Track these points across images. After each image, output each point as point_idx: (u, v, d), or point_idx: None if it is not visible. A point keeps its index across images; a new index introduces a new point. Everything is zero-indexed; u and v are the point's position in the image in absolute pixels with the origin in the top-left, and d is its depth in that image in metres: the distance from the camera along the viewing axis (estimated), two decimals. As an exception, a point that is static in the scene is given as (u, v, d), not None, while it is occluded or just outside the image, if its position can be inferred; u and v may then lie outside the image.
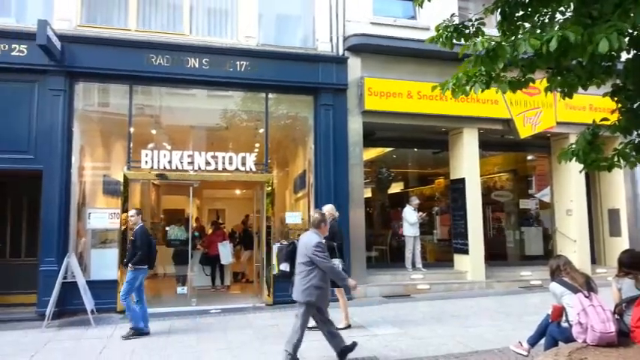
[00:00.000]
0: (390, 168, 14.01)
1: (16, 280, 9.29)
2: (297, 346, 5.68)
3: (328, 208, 7.96)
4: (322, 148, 10.35)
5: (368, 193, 13.05)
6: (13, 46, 9.01)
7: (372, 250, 12.27)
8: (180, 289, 10.01)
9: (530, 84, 5.21)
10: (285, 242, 6.44)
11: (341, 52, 10.77)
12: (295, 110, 11.25)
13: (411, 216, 11.56)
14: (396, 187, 14.59)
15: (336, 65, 10.58)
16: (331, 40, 10.81)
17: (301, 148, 11.88)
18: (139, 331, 7.48)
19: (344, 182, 10.35)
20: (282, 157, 12.96)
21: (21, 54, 9.03)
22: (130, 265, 7.59)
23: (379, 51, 10.87)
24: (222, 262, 11.24)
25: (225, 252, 11.06)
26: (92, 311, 8.24)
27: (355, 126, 10.70)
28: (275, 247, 9.84)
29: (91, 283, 8.62)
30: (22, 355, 6.58)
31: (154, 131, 10.92)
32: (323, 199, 10.13)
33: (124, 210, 9.23)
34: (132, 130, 9.73)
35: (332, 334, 5.99)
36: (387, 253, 12.89)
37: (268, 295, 9.68)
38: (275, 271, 6.33)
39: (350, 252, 10.08)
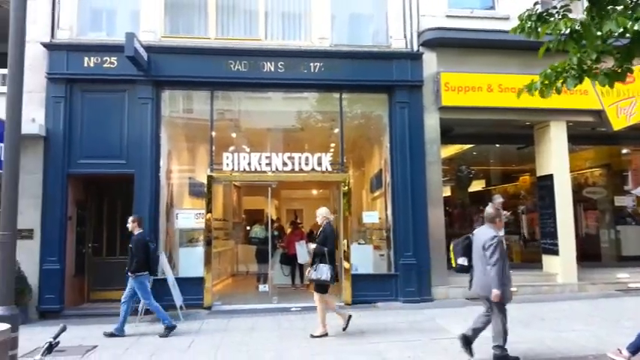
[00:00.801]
0: (471, 165, 13.52)
1: (112, 277, 9.95)
2: (505, 339, 5.78)
3: (323, 212, 7.84)
4: (398, 147, 10.20)
5: (447, 192, 12.68)
6: (105, 58, 9.68)
7: (454, 250, 11.87)
8: (262, 287, 10.28)
9: (627, 72, 4.77)
10: (461, 237, 6.19)
11: (415, 47, 10.55)
12: (370, 109, 11.18)
13: (493, 215, 11.04)
14: (477, 185, 14.07)
15: (410, 61, 10.39)
16: (405, 36, 10.63)
17: (377, 147, 11.78)
18: (170, 328, 7.67)
19: (421, 181, 10.13)
20: (357, 157, 12.93)
21: (112, 66, 9.68)
22: (130, 273, 7.83)
23: (456, 44, 10.53)
24: (299, 262, 11.41)
25: (302, 251, 11.20)
26: (181, 307, 8.65)
27: (432, 122, 10.43)
28: (353, 247, 9.84)
29: (179, 280, 9.05)
30: (118, 347, 7.03)
31: (233, 134, 11.30)
32: (400, 198, 9.99)
33: (208, 210, 9.62)
34: (213, 134, 10.13)
35: (477, 330, 6.03)
36: (470, 254, 12.41)
37: (348, 295, 9.66)
38: (453, 265, 6.17)
39: (429, 252, 9.86)
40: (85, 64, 9.59)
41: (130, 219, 8.22)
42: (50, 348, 3.77)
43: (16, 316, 3.72)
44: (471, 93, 10.39)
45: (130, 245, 8.02)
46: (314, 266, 7.32)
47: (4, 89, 9.39)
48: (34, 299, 8.94)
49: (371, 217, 10.53)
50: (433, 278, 9.89)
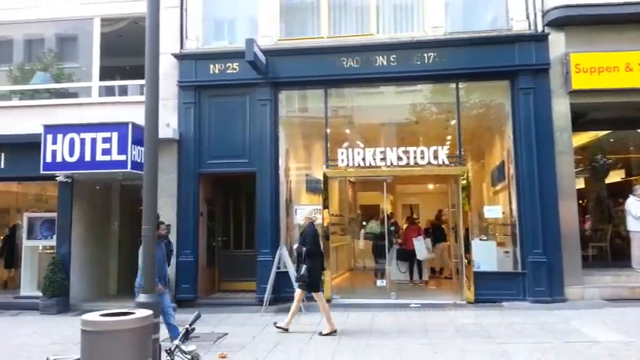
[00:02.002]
0: (607, 154, 12.19)
1: (239, 268, 10.64)
2: None
3: (305, 213, 8.33)
4: (522, 136, 9.53)
5: (580, 184, 11.56)
6: (228, 64, 10.31)
7: (589, 247, 10.83)
8: (379, 282, 10.27)
9: None
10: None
11: (540, 28, 9.77)
12: (489, 97, 10.61)
13: (636, 208, 9.88)
14: (615, 176, 12.64)
15: (534, 44, 9.65)
16: (528, 17, 9.88)
17: (498, 138, 11.12)
18: None
19: (550, 172, 9.36)
20: (476, 149, 12.33)
21: (234, 71, 10.29)
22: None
23: (586, 22, 9.54)
24: (418, 258, 11.18)
25: (420, 247, 10.97)
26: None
27: (561, 109, 9.58)
28: (474, 243, 9.43)
29: (299, 274, 9.35)
30: (247, 334, 7.49)
31: (347, 131, 11.40)
32: (526, 192, 9.35)
33: (325, 206, 9.83)
34: (328, 131, 10.31)
35: None
36: (608, 251, 11.24)
37: (470, 293, 9.27)
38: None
39: (561, 249, 9.10)
40: (211, 71, 10.31)
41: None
42: (187, 334, 4.11)
43: (157, 303, 4.11)
44: (605, 74, 9.35)
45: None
46: (300, 266, 7.64)
47: (141, 98, 10.52)
48: (171, 289, 9.84)
49: (493, 212, 9.99)
50: (566, 277, 9.10)
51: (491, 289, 9.24)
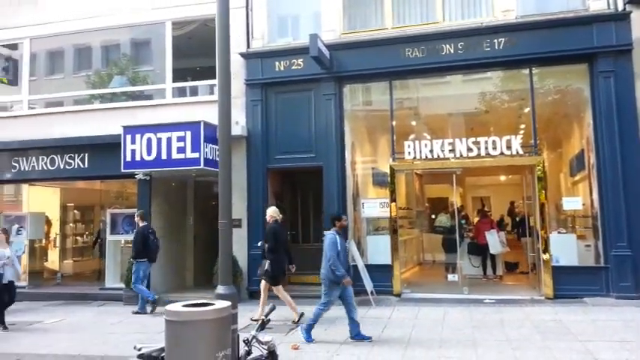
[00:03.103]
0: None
1: (307, 262, 10.72)
2: None
3: (270, 211, 8.50)
4: (604, 123, 8.94)
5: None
6: (293, 61, 10.42)
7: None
8: (451, 277, 10.04)
9: None
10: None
11: (620, 6, 9.10)
12: (565, 82, 10.04)
13: None
14: None
15: (615, 23, 9.00)
16: (607, -6, 9.24)
17: (576, 125, 10.50)
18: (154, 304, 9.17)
19: (634, 160, 8.74)
20: (552, 137, 11.70)
21: (299, 67, 10.38)
22: (132, 258, 9.39)
23: (674, -4, 8.78)
24: (491, 252, 10.81)
25: (494, 241, 10.60)
26: (371, 292, 8.93)
27: (646, 92, 8.89)
28: (552, 236, 8.98)
29: (368, 267, 9.37)
30: (317, 327, 7.43)
31: (413, 122, 11.20)
32: (608, 181, 8.79)
33: (392, 200, 9.72)
34: (394, 123, 10.18)
35: None
36: None
37: (548, 288, 8.85)
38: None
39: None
40: (276, 68, 10.46)
41: (136, 214, 9.81)
42: (263, 325, 4.23)
43: (235, 294, 4.26)
44: (697, 52, 8.57)
45: (134, 237, 9.60)
46: (263, 261, 8.28)
47: (211, 97, 10.97)
48: (244, 281, 10.14)
49: (573, 204, 9.45)
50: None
51: (571, 284, 8.78)
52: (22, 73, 12.26)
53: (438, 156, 9.60)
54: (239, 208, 10.24)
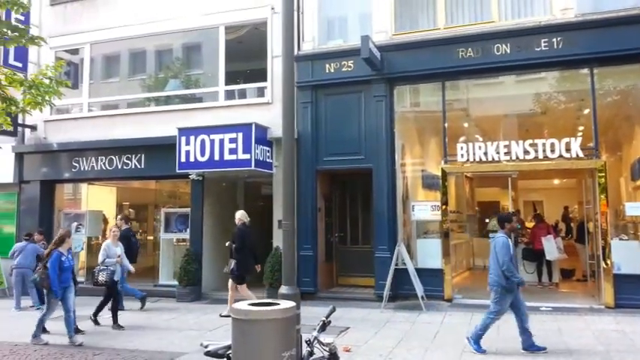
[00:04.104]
0: None
1: (356, 264, 10.76)
2: None
3: (238, 214, 9.15)
4: (670, 124, 8.50)
5: None
6: (343, 63, 10.42)
7: None
8: (505, 283, 9.75)
9: None
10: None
11: (687, 2, 8.63)
12: (627, 83, 9.63)
13: None
14: None
15: (681, 20, 8.55)
16: (674, -11, 8.78)
17: (638, 127, 10.04)
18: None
19: None
20: (611, 140, 11.21)
21: (349, 69, 10.38)
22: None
23: None
24: (548, 258, 10.45)
25: (550, 247, 10.24)
26: (422, 297, 8.82)
27: None
28: (613, 243, 8.59)
29: (417, 271, 9.25)
30: (369, 330, 7.55)
31: (465, 124, 10.99)
32: (676, 186, 8.33)
33: (444, 203, 9.57)
34: (446, 125, 10.02)
35: None
36: None
37: (608, 297, 8.48)
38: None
39: None
40: (327, 71, 10.49)
41: (118, 217, 10.18)
42: (324, 326, 4.23)
43: (298, 295, 4.28)
44: None
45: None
46: (230, 261, 8.87)
47: (261, 100, 11.12)
48: (294, 282, 10.19)
49: (636, 209, 9.02)
50: None
51: (633, 294, 8.37)
52: (82, 77, 12.79)
53: (493, 159, 9.37)
54: (288, 209, 10.29)
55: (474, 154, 9.50)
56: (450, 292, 9.28)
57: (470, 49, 9.64)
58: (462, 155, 9.59)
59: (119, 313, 8.57)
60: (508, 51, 9.42)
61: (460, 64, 9.68)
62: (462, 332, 7.23)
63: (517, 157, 9.22)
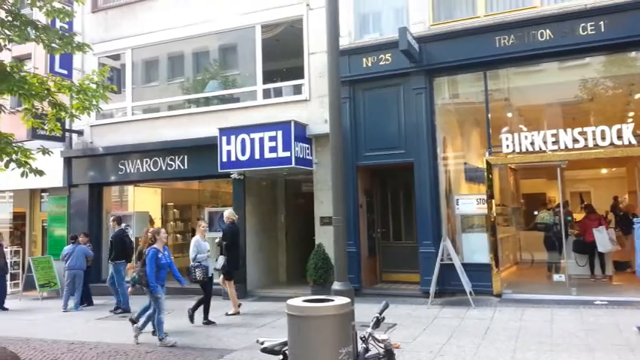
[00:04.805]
0: None
1: (399, 260, 10.64)
2: None
3: (227, 213, 9.54)
4: None
5: None
6: (380, 56, 10.29)
7: None
8: (556, 277, 9.46)
9: None
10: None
11: None
12: (680, 65, 9.13)
13: None
14: None
15: None
16: None
17: (693, 111, 9.55)
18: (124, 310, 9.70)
19: None
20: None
21: (387, 62, 10.24)
22: (110, 261, 10.03)
23: None
24: (600, 250, 10.05)
25: (602, 238, 9.85)
26: (470, 293, 8.64)
27: None
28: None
29: (464, 266, 9.07)
30: (416, 326, 7.45)
31: (509, 114, 10.68)
32: None
33: (490, 196, 9.34)
34: (489, 116, 9.77)
35: None
36: None
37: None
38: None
39: None
40: (364, 65, 10.40)
41: (111, 219, 10.58)
42: (378, 322, 4.18)
43: (351, 291, 4.25)
44: None
45: (111, 239, 10.22)
46: (219, 257, 9.09)
47: (299, 97, 11.13)
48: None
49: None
50: None
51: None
52: (124, 82, 13.12)
53: (540, 148, 9.06)
54: (329, 207, 10.17)
55: (519, 144, 9.22)
56: (499, 287, 9.05)
57: (511, 36, 9.37)
58: (507, 146, 9.32)
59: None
60: (552, 36, 9.10)
61: (501, 52, 9.42)
62: (515, 328, 7.07)
63: (565, 147, 8.90)
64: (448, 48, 9.78)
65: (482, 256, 9.34)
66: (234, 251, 9.27)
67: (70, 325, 9.13)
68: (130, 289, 8.86)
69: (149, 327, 7.67)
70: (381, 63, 10.30)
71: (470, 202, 9.63)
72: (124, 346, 7.30)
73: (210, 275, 8.67)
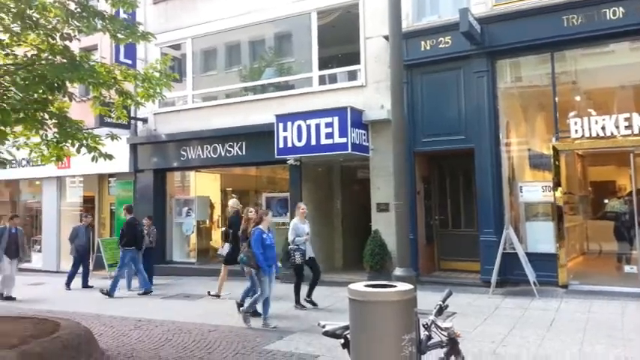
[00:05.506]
0: None
1: (458, 248, 10.41)
2: None
3: (231, 203, 10.10)
4: None
5: None
6: (439, 39, 10.01)
7: None
8: (627, 269, 8.97)
9: None
10: None
11: None
12: None
13: None
14: None
15: None
16: None
17: None
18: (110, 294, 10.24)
19: None
20: None
21: (446, 45, 9.95)
22: (120, 246, 10.46)
23: None
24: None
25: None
26: (534, 283, 8.34)
27: None
28: None
29: (527, 255, 8.75)
30: (477, 315, 7.28)
31: (577, 98, 10.12)
32: None
33: (557, 183, 8.92)
34: (556, 99, 9.30)
35: None
36: None
37: None
38: None
39: None
40: (422, 48, 10.15)
41: (123, 206, 11.21)
42: (440, 310, 4.10)
43: (414, 277, 4.19)
44: None
45: (122, 228, 10.71)
46: (224, 244, 9.67)
47: (354, 83, 11.03)
48: (393, 265, 10.08)
49: None
50: None
51: None
52: (184, 71, 13.50)
53: (612, 133, 8.55)
54: (385, 193, 10.18)
55: (589, 129, 8.73)
56: (565, 277, 8.67)
57: (580, 15, 8.83)
58: (576, 131, 8.85)
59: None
60: (624, 14, 8.49)
61: (569, 32, 8.92)
62: (581, 320, 6.76)
63: (640, 131, 8.34)
64: (512, 28, 9.36)
65: (548, 246, 8.97)
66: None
67: (137, 303, 9.61)
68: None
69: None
70: (441, 46, 10.01)
71: (535, 190, 9.25)
72: (187, 325, 7.58)
73: (307, 258, 8.41)
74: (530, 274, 8.38)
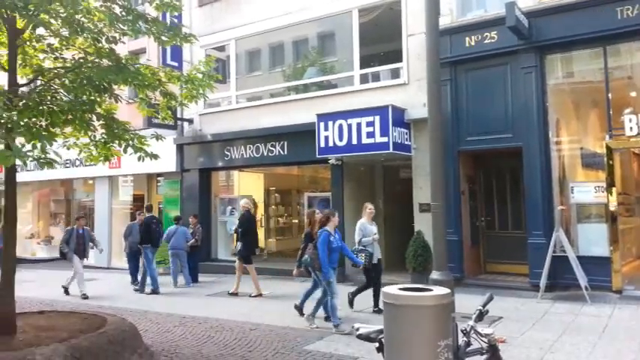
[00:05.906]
0: None
1: (505, 250, 10.07)
2: None
3: (243, 202, 10.34)
4: None
5: None
6: (485, 34, 9.72)
7: None
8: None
9: None
10: None
11: None
12: None
13: None
14: None
15: None
16: None
17: None
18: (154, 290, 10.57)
19: None
20: None
21: (492, 40, 9.64)
22: (139, 245, 10.94)
23: None
24: None
25: None
26: (585, 287, 7.96)
27: None
28: None
29: (579, 259, 8.36)
30: (525, 320, 7.02)
31: (632, 94, 9.57)
32: None
33: (610, 183, 8.47)
34: (610, 95, 8.84)
35: None
36: None
37: None
38: None
39: None
40: (467, 44, 9.88)
41: (145, 205, 11.88)
42: (481, 315, 3.95)
43: (451, 281, 4.08)
44: None
45: (140, 225, 11.16)
46: (237, 243, 9.98)
47: (396, 81, 10.87)
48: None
49: None
50: None
51: None
52: (229, 72, 13.73)
53: (675, 130, 8.04)
54: (428, 193, 9.75)
55: (648, 126, 8.24)
56: (619, 282, 8.22)
57: (636, 6, 8.38)
58: (631, 128, 8.38)
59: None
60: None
61: (623, 25, 8.46)
62: (636, 328, 6.39)
63: None
64: (561, 22, 8.97)
65: (600, 249, 8.55)
66: (248, 237, 9.94)
67: (182, 300, 9.86)
68: (295, 271, 8.50)
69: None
70: (486, 41, 9.72)
71: (587, 190, 8.83)
72: (229, 323, 7.69)
73: (375, 262, 7.96)
74: (582, 278, 7.99)
